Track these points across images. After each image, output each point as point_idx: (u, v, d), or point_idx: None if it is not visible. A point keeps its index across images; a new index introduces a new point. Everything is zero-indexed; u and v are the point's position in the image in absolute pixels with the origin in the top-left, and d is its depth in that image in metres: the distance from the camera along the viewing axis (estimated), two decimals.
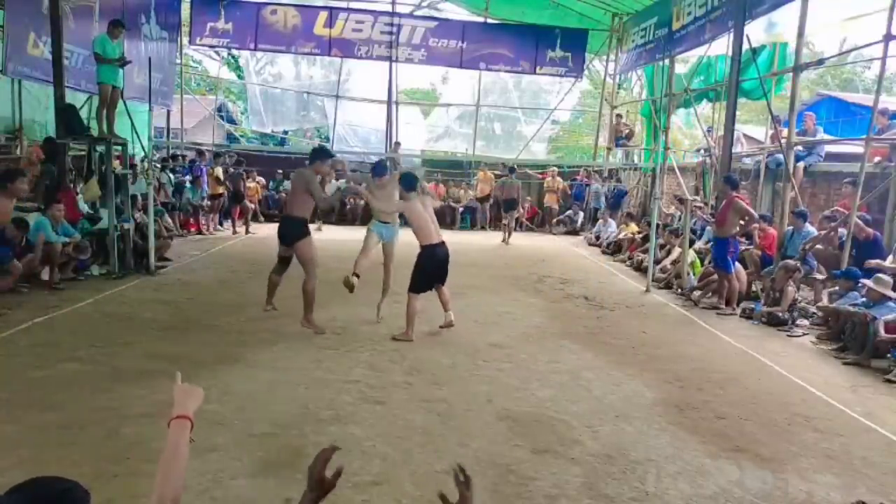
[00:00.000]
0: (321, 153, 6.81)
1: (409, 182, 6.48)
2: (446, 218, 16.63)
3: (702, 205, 11.88)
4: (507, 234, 14.70)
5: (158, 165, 14.06)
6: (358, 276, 6.74)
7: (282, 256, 6.67)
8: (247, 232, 13.91)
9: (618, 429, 4.42)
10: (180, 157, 15.46)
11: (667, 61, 13.60)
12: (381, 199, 6.84)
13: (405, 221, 6.61)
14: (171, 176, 13.52)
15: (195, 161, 14.92)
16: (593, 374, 5.55)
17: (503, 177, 15.83)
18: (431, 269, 6.31)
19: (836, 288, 7.45)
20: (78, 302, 7.15)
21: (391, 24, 17.15)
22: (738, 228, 8.36)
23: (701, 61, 14.16)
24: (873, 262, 7.30)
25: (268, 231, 13.73)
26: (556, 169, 17.28)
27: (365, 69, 18.70)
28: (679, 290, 9.26)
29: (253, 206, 15.03)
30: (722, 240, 8.36)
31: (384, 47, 17.24)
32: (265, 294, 6.95)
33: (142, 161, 13.43)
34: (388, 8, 17.50)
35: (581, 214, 16.80)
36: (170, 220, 12.05)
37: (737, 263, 8.63)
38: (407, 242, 7.15)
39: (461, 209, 16.76)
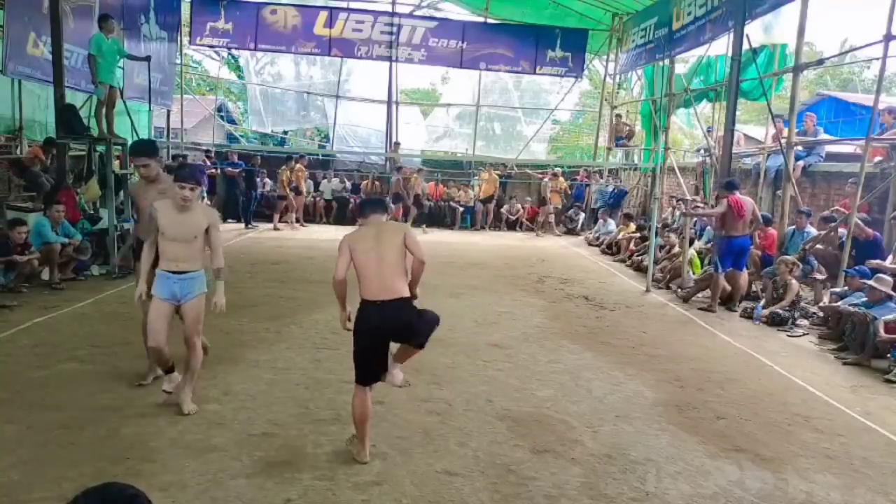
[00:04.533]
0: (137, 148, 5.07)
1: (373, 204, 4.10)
2: (446, 218, 16.66)
3: (702, 205, 11.88)
4: (539, 228, 16.24)
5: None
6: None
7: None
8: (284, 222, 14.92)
9: (618, 429, 4.42)
10: (184, 158, 15.61)
11: (667, 61, 13.59)
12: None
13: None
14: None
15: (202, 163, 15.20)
16: (593, 374, 5.55)
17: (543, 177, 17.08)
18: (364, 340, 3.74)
19: (844, 287, 7.44)
20: (78, 302, 7.14)
21: (391, 24, 17.15)
22: (740, 230, 8.40)
23: (701, 61, 14.15)
24: (873, 262, 7.31)
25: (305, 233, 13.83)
26: (560, 169, 17.31)
27: (365, 69, 18.71)
28: (678, 290, 9.25)
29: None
30: (719, 239, 8.52)
31: (384, 47, 17.24)
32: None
33: None
34: (388, 8, 17.51)
35: (581, 214, 16.81)
36: None
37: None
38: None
39: (462, 209, 16.76)
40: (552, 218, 16.32)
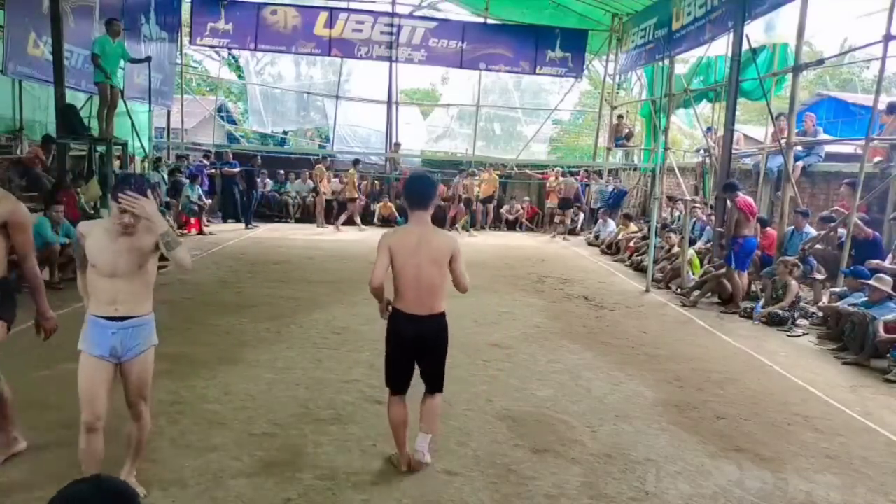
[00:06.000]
0: None
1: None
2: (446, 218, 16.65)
3: (701, 205, 11.89)
4: (563, 231, 15.69)
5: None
6: None
7: None
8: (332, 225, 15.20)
9: (618, 429, 4.42)
10: (186, 158, 15.75)
11: (667, 61, 13.60)
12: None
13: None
14: (165, 175, 13.57)
15: (201, 162, 15.34)
16: (593, 374, 5.55)
17: (564, 177, 16.64)
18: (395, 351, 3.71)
19: (844, 287, 7.44)
20: (78, 302, 7.07)
21: (391, 25, 17.17)
22: (751, 230, 8.43)
23: (701, 61, 14.17)
24: (873, 262, 7.31)
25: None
26: (560, 169, 17.30)
27: (365, 69, 18.73)
28: (678, 290, 9.25)
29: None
30: (734, 241, 8.53)
31: (384, 47, 17.26)
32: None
33: (142, 161, 13.50)
34: (388, 8, 17.53)
35: (581, 214, 16.80)
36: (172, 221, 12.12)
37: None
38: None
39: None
40: (558, 218, 16.22)
